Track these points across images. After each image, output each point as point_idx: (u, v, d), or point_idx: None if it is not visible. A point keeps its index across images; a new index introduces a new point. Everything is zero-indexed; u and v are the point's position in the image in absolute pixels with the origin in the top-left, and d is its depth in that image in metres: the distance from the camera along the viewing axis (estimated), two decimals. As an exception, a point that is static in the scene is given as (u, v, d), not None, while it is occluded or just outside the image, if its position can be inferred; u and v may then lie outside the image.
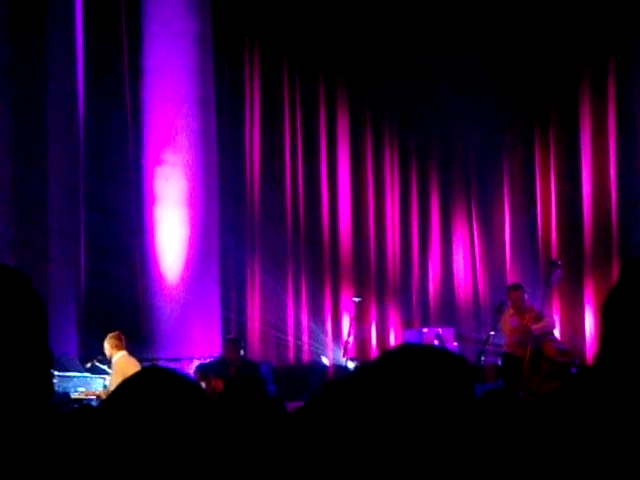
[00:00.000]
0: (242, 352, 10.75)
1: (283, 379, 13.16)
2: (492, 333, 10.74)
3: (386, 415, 1.71)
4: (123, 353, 9.84)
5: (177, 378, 1.85)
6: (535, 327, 10.37)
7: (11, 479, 1.61)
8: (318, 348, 15.29)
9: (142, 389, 1.82)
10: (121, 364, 9.64)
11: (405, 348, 1.90)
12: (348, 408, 1.90)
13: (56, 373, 10.14)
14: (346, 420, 1.87)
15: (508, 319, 10.75)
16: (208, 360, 11.25)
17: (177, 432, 1.76)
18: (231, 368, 10.34)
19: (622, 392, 1.77)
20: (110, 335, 9.93)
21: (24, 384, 1.68)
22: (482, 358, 10.47)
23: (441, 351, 1.85)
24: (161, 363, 10.86)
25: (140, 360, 10.13)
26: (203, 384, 9.39)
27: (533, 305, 10.84)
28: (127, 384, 1.86)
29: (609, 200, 14.69)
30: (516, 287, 11.19)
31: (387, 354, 1.87)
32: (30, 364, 1.69)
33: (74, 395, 10.05)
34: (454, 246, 16.32)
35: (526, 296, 10.94)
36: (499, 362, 12.66)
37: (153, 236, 12.84)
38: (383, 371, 1.78)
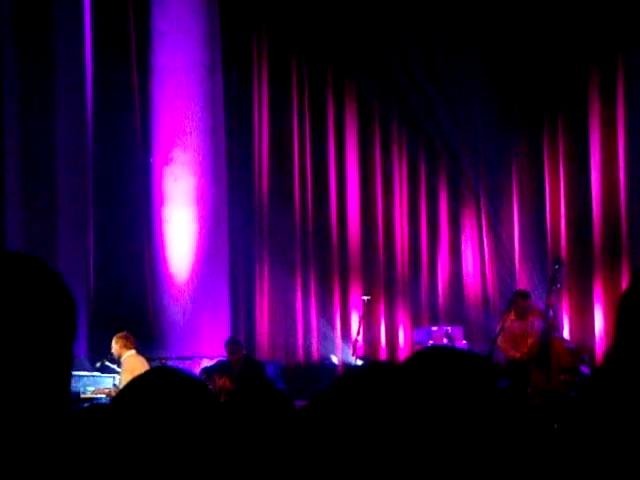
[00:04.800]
0: (244, 352, 10.95)
1: (292, 378, 13.18)
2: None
3: (410, 412, 1.70)
4: (132, 352, 9.86)
5: (185, 378, 1.85)
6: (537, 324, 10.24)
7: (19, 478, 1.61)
8: (327, 347, 15.29)
9: (150, 389, 1.82)
10: (130, 363, 9.66)
11: (430, 349, 1.90)
12: (362, 407, 1.90)
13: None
14: (359, 418, 1.87)
15: (510, 324, 10.54)
16: (214, 361, 11.31)
17: (184, 431, 1.76)
18: (235, 368, 10.49)
19: (634, 391, 1.77)
20: (118, 335, 9.93)
21: (43, 386, 1.67)
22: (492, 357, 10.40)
23: (465, 352, 1.84)
24: (170, 362, 10.88)
25: (149, 359, 10.14)
26: (209, 385, 9.46)
27: (538, 305, 10.75)
28: (135, 384, 1.86)
29: (618, 198, 14.66)
30: (525, 295, 10.90)
31: (414, 355, 1.87)
32: (52, 366, 1.68)
33: (84, 394, 10.07)
34: (463, 244, 16.30)
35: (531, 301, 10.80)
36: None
37: (162, 235, 12.85)
38: (407, 371, 1.78)
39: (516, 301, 10.67)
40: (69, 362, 1.71)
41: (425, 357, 1.83)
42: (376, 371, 2.24)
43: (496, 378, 1.83)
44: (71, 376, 1.74)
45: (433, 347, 1.91)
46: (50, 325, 1.65)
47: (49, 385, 1.65)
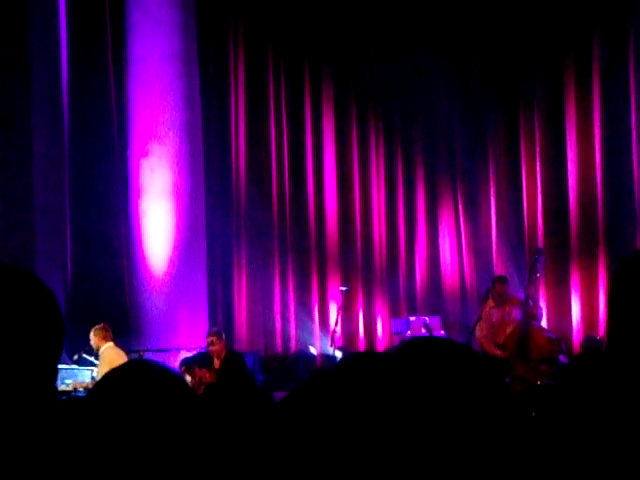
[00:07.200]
0: (224, 343, 10.85)
1: (271, 369, 13.19)
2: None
3: (387, 404, 1.70)
4: (110, 344, 9.84)
5: (161, 371, 1.84)
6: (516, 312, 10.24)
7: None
8: (305, 337, 15.30)
9: (125, 382, 1.81)
10: (108, 355, 9.64)
11: (410, 341, 1.90)
12: (342, 398, 1.89)
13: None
14: (339, 410, 1.87)
15: (488, 311, 10.53)
16: (193, 352, 11.25)
17: (160, 425, 1.75)
18: (216, 360, 10.39)
19: (631, 374, 1.78)
20: (96, 327, 9.91)
21: (26, 399, 1.66)
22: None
23: (447, 341, 1.83)
24: (148, 354, 10.85)
25: (127, 351, 10.12)
26: (188, 377, 9.45)
27: (517, 295, 10.76)
28: (110, 377, 1.85)
29: (594, 187, 14.74)
30: (502, 280, 10.90)
31: (400, 345, 1.87)
32: (36, 382, 1.67)
33: (61, 387, 10.02)
34: (440, 234, 16.34)
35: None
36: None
37: (139, 228, 12.82)
38: (391, 361, 1.78)
39: (494, 286, 10.68)
40: (53, 379, 1.71)
41: (411, 347, 1.83)
42: (358, 362, 2.23)
43: (499, 374, 1.83)
44: (56, 388, 1.74)
45: (416, 338, 1.89)
46: (37, 339, 1.65)
47: (34, 391, 1.65)
